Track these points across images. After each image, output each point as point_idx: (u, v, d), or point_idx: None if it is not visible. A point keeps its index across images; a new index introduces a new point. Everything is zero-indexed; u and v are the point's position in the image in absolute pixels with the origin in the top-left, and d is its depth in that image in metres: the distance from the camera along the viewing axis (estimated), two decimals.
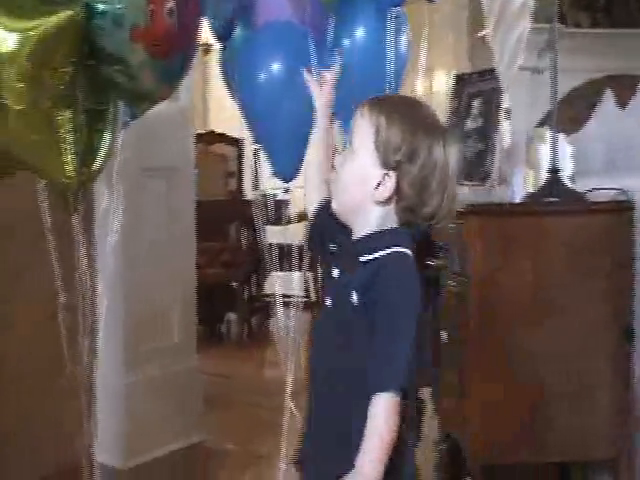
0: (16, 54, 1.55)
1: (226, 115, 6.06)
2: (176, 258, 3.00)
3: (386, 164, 1.21)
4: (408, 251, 1.21)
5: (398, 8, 1.61)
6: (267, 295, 4.92)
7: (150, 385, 2.82)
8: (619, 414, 2.18)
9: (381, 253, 1.20)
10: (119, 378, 2.74)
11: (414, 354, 1.17)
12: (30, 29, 1.53)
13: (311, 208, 1.38)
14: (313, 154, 1.43)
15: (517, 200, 2.37)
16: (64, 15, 1.53)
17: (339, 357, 1.22)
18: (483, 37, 3.37)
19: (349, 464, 1.15)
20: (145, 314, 2.84)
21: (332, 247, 1.31)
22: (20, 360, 2.41)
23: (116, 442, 2.68)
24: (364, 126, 1.23)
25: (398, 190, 1.20)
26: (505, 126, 2.30)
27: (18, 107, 1.58)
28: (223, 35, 1.96)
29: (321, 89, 1.44)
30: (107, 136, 1.85)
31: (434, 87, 4.70)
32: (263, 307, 4.97)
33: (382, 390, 1.14)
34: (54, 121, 1.61)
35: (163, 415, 2.83)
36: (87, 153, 1.78)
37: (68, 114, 1.64)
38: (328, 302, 1.26)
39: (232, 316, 5.07)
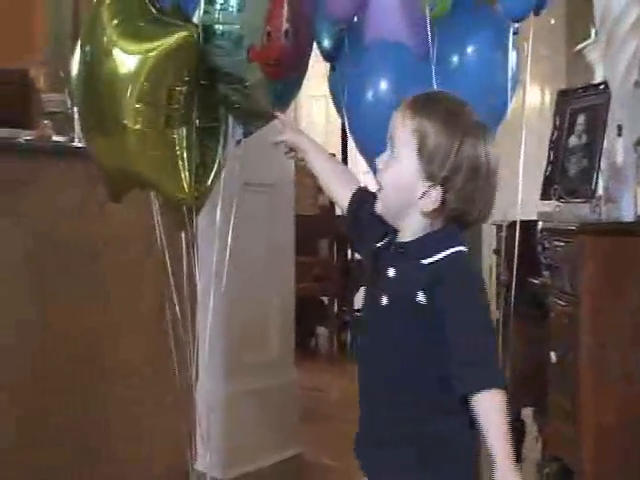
0: (135, 76, 1.60)
1: (315, 130, 6.14)
2: (275, 273, 3.04)
3: (431, 177, 1.20)
4: (464, 248, 1.23)
5: (518, 24, 1.58)
6: (357, 310, 4.92)
7: (250, 397, 2.86)
8: None
9: (442, 255, 1.20)
10: (220, 390, 2.79)
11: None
12: (148, 51, 1.58)
13: (344, 204, 1.42)
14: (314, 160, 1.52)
15: (627, 219, 2.30)
16: (180, 36, 1.57)
17: (396, 355, 1.23)
18: (581, 51, 3.30)
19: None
20: (245, 327, 2.89)
21: (379, 244, 1.31)
22: (127, 371, 2.47)
23: (216, 453, 2.71)
24: (407, 131, 1.21)
25: (443, 202, 1.21)
26: (617, 143, 2.22)
27: (136, 127, 1.64)
28: (332, 55, 1.98)
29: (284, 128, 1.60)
30: (218, 153, 1.90)
31: (529, 102, 4.63)
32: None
33: (486, 388, 1.13)
34: (171, 139, 1.66)
35: (262, 427, 2.87)
36: (200, 170, 1.82)
37: (184, 132, 1.69)
38: (384, 301, 1.25)
39: (322, 330, 5.09)
